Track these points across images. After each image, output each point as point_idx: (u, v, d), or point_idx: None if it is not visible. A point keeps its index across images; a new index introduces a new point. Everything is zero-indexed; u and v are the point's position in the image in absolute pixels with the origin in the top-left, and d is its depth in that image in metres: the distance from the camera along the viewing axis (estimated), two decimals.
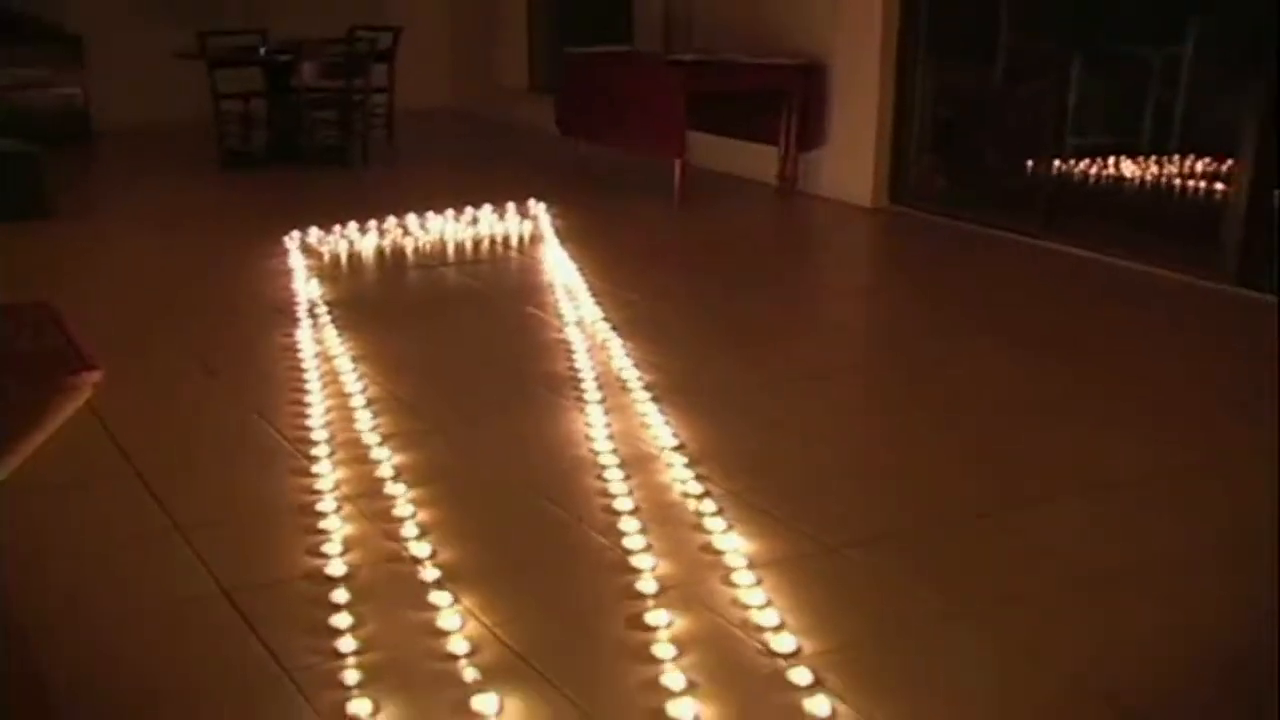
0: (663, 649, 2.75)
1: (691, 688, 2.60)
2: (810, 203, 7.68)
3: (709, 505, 3.45)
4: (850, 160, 7.44)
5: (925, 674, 2.70)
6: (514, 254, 6.44)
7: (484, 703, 2.55)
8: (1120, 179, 6.67)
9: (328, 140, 9.11)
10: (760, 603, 2.96)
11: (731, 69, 7.53)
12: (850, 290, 6.26)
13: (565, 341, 4.90)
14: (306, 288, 5.58)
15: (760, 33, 7.76)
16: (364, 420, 4.07)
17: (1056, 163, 6.67)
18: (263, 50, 8.79)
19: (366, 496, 3.52)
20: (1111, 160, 6.68)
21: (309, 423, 4.02)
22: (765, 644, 2.77)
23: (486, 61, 10.98)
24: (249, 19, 9.45)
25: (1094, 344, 5.06)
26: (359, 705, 2.54)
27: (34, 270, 5.95)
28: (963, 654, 2.78)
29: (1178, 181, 6.42)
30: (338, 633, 2.81)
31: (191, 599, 2.97)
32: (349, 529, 3.33)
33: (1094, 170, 6.73)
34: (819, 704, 2.53)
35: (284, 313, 5.25)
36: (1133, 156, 6.64)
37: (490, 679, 2.63)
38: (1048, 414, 4.28)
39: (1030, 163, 6.78)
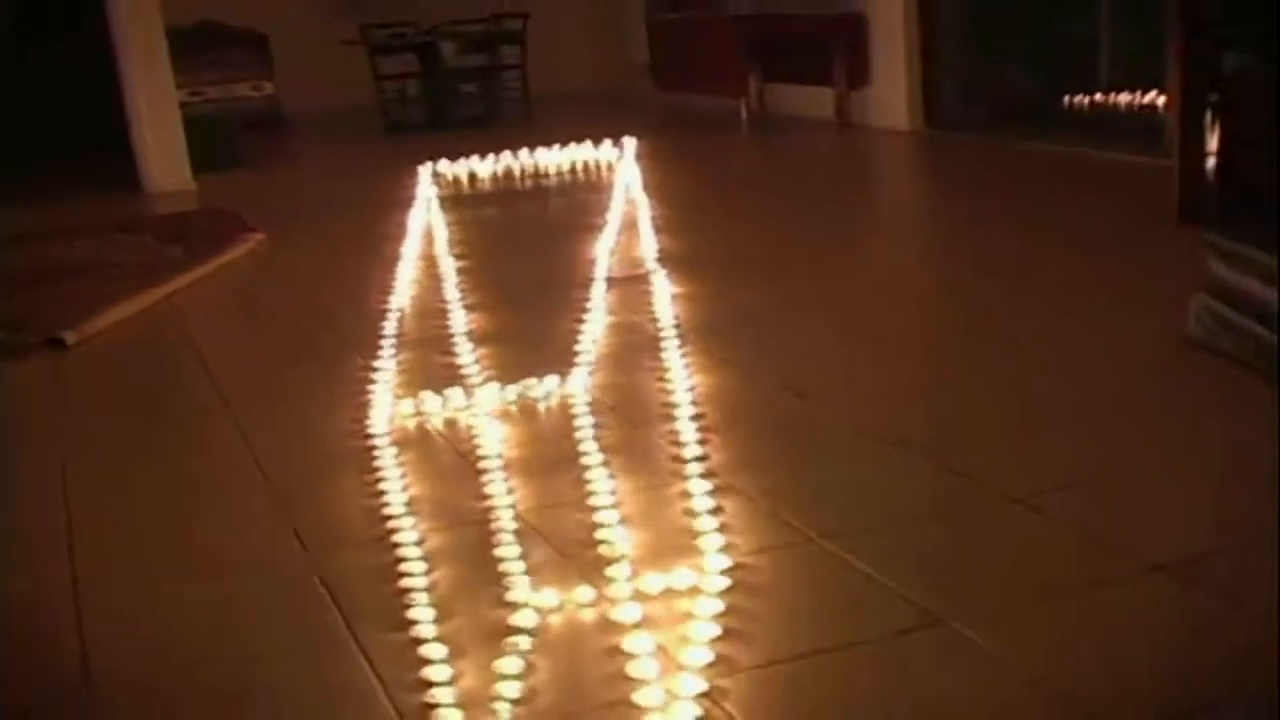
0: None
1: None
2: (861, 131, 9.12)
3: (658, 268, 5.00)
4: (891, 94, 8.86)
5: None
6: (596, 169, 8.05)
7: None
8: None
9: (472, 111, 10.86)
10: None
11: (783, 19, 9.06)
12: (870, 190, 7.74)
13: (608, 208, 6.45)
14: (425, 191, 7.25)
15: None
16: (441, 247, 5.70)
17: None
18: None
19: (429, 278, 5.16)
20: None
21: (403, 247, 5.68)
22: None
23: (616, 41, 12.59)
24: (402, 12, 11.23)
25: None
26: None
27: (228, 194, 7.79)
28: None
29: None
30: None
31: None
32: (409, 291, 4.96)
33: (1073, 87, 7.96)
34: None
35: (405, 205, 6.93)
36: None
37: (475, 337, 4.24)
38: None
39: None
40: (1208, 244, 3.79)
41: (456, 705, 2.16)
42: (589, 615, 2.46)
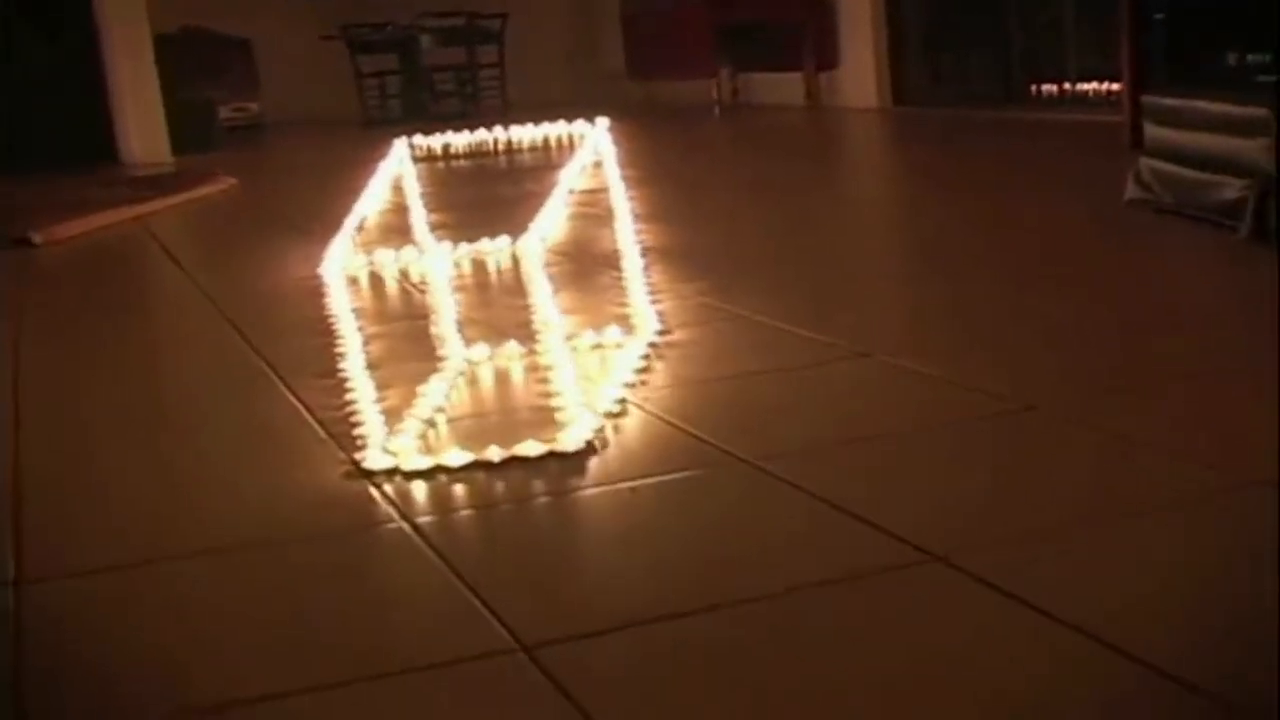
0: None
1: None
2: (831, 111, 9.21)
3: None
4: (859, 75, 8.97)
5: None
6: (568, 139, 8.13)
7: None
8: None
9: (450, 107, 10.96)
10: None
11: (751, 2, 9.19)
12: (823, 146, 7.83)
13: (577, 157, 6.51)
14: (399, 153, 7.32)
15: None
16: (409, 182, 5.75)
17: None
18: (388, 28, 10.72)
19: (395, 199, 5.22)
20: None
21: (371, 185, 5.72)
22: None
23: (590, 53, 12.70)
24: (383, 13, 11.32)
25: None
26: None
27: (206, 168, 7.88)
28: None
29: None
30: None
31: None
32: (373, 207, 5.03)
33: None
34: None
35: (377, 161, 6.98)
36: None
37: None
38: None
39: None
40: (1147, 109, 3.88)
41: (377, 415, 2.20)
42: (518, 363, 2.51)
